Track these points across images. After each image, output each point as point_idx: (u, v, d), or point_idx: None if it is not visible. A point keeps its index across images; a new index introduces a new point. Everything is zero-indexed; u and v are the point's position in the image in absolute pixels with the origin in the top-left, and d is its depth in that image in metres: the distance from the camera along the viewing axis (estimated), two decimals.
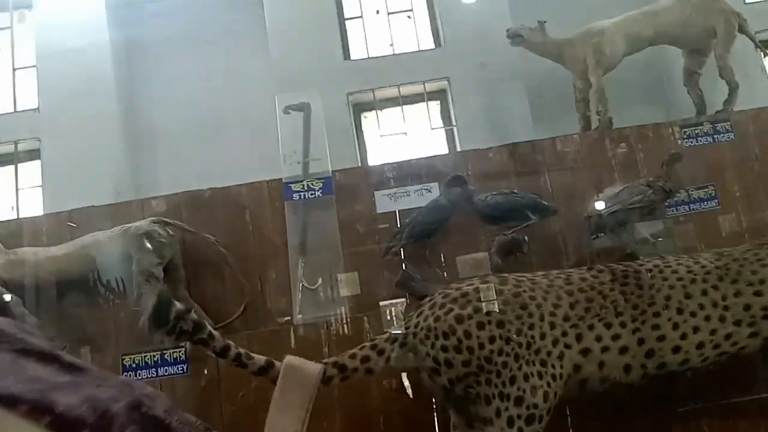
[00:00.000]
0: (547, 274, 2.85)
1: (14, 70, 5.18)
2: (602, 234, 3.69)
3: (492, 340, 2.57)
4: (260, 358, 2.59)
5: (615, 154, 4.08)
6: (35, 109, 4.97)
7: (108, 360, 3.51)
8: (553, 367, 2.61)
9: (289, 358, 1.59)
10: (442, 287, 2.92)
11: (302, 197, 3.90)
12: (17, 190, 4.87)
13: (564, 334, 2.65)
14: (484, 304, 2.64)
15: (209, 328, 2.56)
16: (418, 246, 3.82)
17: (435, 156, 4.43)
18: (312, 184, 3.93)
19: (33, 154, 4.95)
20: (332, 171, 3.98)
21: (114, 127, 4.95)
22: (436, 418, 3.27)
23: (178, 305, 2.52)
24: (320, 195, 3.90)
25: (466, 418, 2.79)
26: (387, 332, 2.77)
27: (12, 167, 4.93)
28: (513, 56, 4.81)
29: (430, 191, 3.92)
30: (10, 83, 5.11)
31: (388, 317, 3.45)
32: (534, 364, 2.59)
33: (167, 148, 4.86)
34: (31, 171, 4.96)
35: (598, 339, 2.67)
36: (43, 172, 4.87)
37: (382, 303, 3.54)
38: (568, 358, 2.64)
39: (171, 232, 3.81)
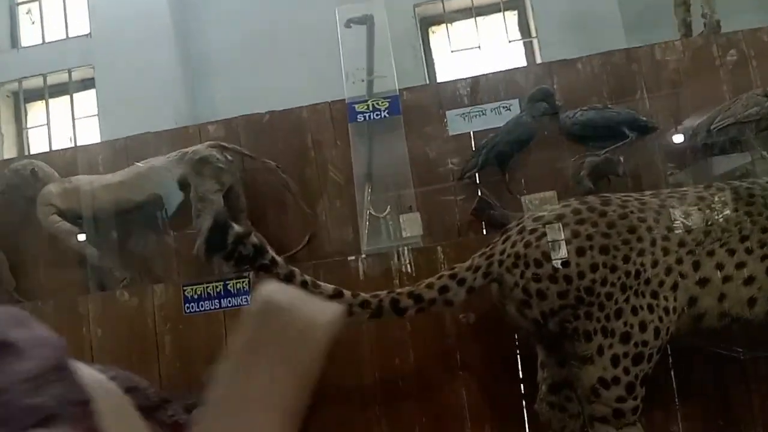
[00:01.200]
0: (658, 193, 2.45)
1: None
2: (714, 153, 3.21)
3: (594, 268, 2.21)
4: (327, 287, 2.34)
5: (724, 63, 3.55)
6: (87, 35, 4.75)
7: (169, 291, 3.34)
8: (666, 299, 2.24)
9: (270, 290, 0.89)
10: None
11: (367, 118, 3.57)
12: (73, 119, 4.73)
13: (679, 261, 2.26)
14: (583, 227, 2.27)
15: (271, 252, 2.31)
16: (497, 170, 3.46)
17: (514, 69, 3.98)
18: (377, 104, 3.58)
19: (87, 84, 4.76)
20: (399, 89, 3.62)
21: (169, 50, 4.70)
22: (519, 356, 2.98)
23: (237, 228, 2.27)
24: (387, 115, 3.56)
25: (558, 356, 2.47)
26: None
27: (67, 97, 4.77)
28: None
29: (509, 109, 3.52)
30: (61, 8, 4.89)
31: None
32: (644, 296, 2.22)
33: (224, 71, 4.57)
34: (86, 100, 4.79)
35: (719, 267, 2.27)
36: (98, 101, 4.69)
37: None
38: (683, 289, 2.26)
39: (230, 158, 3.57)
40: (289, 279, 2.29)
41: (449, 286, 2.36)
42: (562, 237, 2.26)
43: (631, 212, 2.30)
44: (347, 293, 2.33)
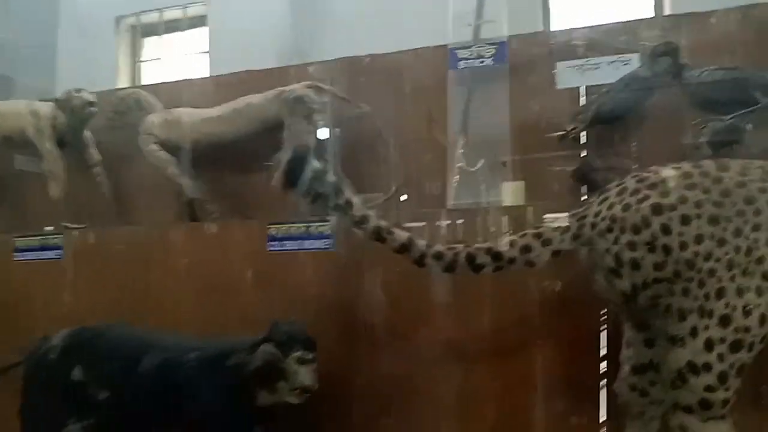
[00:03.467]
0: None
1: None
2: None
3: (699, 239, 1.95)
4: (402, 234, 2.22)
5: None
6: None
7: (254, 228, 3.36)
8: None
9: None
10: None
11: (469, 65, 3.37)
12: (185, 55, 4.85)
13: None
14: (693, 192, 2.00)
15: (348, 194, 2.22)
16: (607, 130, 3.16)
17: (638, 20, 3.61)
18: (482, 51, 3.37)
19: (200, 21, 4.86)
20: (508, 36, 3.38)
21: None
22: (605, 331, 2.74)
23: (316, 164, 2.20)
24: (491, 63, 3.35)
25: (646, 334, 2.23)
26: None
27: (180, 33, 4.89)
28: None
29: (627, 64, 3.20)
30: None
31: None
32: (753, 276, 1.93)
33: (333, 11, 4.49)
34: (198, 37, 4.90)
35: None
36: (210, 39, 4.78)
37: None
38: None
39: (326, 99, 3.51)
40: (362, 223, 2.20)
41: (532, 246, 2.18)
42: (668, 201, 2.00)
43: (752, 180, 2.00)
44: (421, 243, 2.21)
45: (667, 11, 3.88)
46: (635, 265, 2.02)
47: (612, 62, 3.24)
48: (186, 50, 4.92)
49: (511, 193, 3.22)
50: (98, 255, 3.63)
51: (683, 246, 1.95)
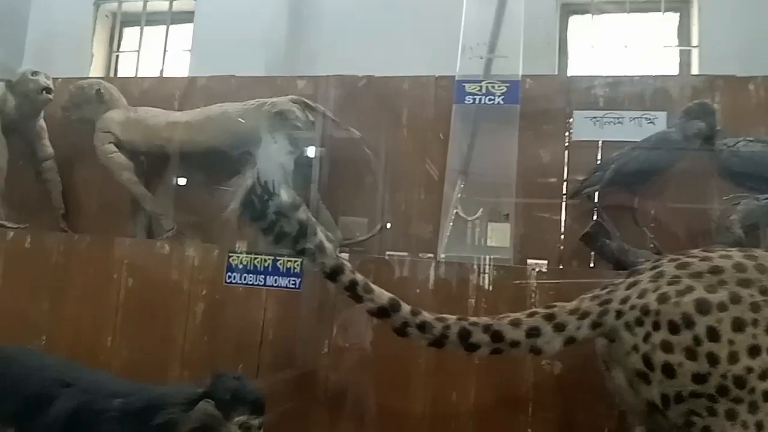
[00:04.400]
0: None
1: None
2: None
3: (755, 351, 1.56)
4: (383, 295, 1.80)
5: None
6: None
7: (213, 254, 2.93)
8: None
9: None
10: (668, 255, 1.91)
11: (477, 101, 3.00)
12: (165, 51, 4.42)
13: None
14: (748, 291, 1.62)
15: (321, 237, 1.80)
16: (625, 193, 2.81)
17: (668, 76, 3.30)
18: (493, 87, 3.00)
19: (186, 17, 4.45)
20: (522, 75, 3.03)
21: None
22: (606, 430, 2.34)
23: (284, 196, 1.77)
24: (501, 102, 2.97)
25: None
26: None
27: (163, 27, 4.48)
28: None
29: (653, 122, 2.87)
30: None
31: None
32: None
33: (332, 26, 4.11)
34: (182, 33, 4.48)
35: None
36: (194, 36, 4.37)
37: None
38: None
39: (311, 118, 3.11)
40: (334, 275, 1.78)
41: (542, 330, 1.77)
42: (718, 299, 1.62)
43: None
44: (405, 308, 1.79)
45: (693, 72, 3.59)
46: (669, 371, 1.63)
47: (636, 118, 2.90)
48: (167, 46, 4.48)
49: (496, 233, 2.87)
50: (32, 261, 3.20)
51: (733, 358, 1.56)
